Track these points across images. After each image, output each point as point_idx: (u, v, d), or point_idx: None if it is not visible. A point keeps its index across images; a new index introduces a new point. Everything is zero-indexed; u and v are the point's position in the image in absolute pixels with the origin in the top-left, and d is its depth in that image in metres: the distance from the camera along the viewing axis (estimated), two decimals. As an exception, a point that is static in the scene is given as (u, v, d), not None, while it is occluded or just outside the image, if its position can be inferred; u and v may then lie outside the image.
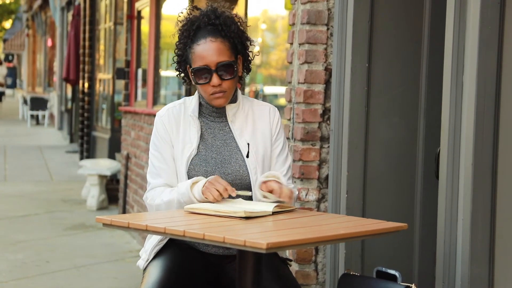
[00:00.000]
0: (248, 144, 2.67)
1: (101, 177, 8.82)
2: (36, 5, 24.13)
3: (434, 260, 2.67)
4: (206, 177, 2.61)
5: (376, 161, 3.32)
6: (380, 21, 3.29)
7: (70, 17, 15.57)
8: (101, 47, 11.95)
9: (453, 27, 2.54)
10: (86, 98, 12.23)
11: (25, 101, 22.73)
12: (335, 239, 2.27)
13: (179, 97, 7.56)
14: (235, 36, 2.66)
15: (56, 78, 19.90)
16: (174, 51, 2.74)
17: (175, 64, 2.75)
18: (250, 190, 2.65)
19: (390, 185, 3.33)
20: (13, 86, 34.73)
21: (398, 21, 3.31)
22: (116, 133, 9.96)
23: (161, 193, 2.68)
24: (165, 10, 8.12)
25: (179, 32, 2.72)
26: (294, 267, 3.49)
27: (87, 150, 12.16)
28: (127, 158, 8.06)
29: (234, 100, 2.71)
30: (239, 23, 2.69)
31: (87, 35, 12.21)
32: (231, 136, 2.70)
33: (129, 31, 9.10)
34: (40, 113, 21.42)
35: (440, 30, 2.74)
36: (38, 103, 21.35)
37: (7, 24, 38.83)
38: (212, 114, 2.72)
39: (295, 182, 3.54)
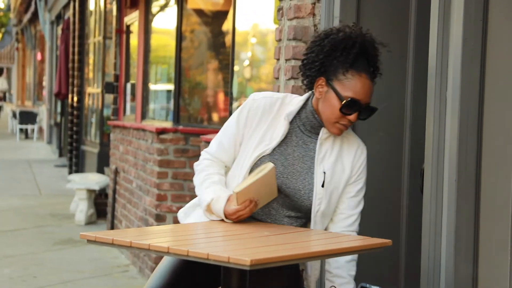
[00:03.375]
0: (324, 173, 2.58)
1: (90, 191, 8.80)
2: (25, 19, 24.11)
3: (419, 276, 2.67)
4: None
5: (362, 176, 3.32)
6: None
7: (59, 31, 15.57)
8: (91, 61, 11.96)
9: (436, 43, 2.56)
10: (75, 112, 12.22)
11: (14, 115, 22.65)
12: (319, 255, 2.28)
13: (167, 112, 7.58)
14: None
15: (45, 92, 19.87)
16: (312, 51, 2.60)
17: (308, 62, 2.62)
18: (301, 212, 2.60)
19: (375, 200, 3.33)
20: (2, 99, 34.59)
21: (383, 37, 3.32)
22: (105, 147, 9.95)
23: (206, 175, 2.64)
24: (154, 24, 8.14)
25: (329, 39, 2.57)
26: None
27: (76, 164, 12.13)
28: (116, 172, 8.04)
29: None
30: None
31: (76, 49, 12.22)
32: (311, 155, 2.61)
33: (118, 46, 9.12)
34: (29, 127, 21.36)
35: (425, 46, 2.76)
36: (27, 117, 21.29)
37: (-3, 37, 38.81)
38: (307, 126, 2.62)
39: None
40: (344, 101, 2.52)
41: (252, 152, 2.60)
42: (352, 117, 2.54)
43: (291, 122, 2.62)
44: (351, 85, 2.53)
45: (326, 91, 2.56)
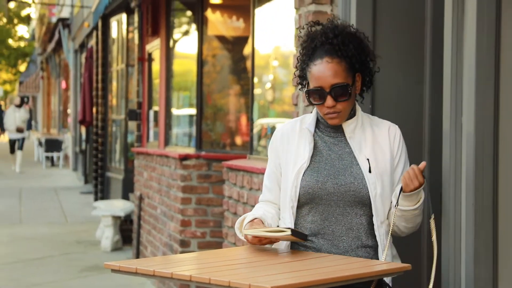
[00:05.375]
0: (368, 159, 2.63)
1: (115, 218, 8.88)
2: (50, 48, 24.45)
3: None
4: (318, 187, 2.64)
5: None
6: (383, 67, 3.35)
7: (83, 59, 15.78)
8: (114, 88, 12.10)
9: (450, 68, 2.60)
10: (99, 139, 12.35)
11: (40, 143, 22.89)
12: (339, 280, 2.30)
13: (190, 138, 7.65)
14: (353, 55, 2.61)
15: (70, 119, 20.08)
16: (295, 66, 2.77)
17: (297, 79, 2.77)
18: (365, 204, 2.63)
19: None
20: (28, 128, 35.02)
21: (400, 66, 3.38)
22: (130, 174, 10.05)
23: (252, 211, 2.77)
24: (175, 50, 8.24)
25: (300, 47, 2.73)
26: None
27: (101, 191, 12.24)
28: (140, 199, 8.12)
29: (352, 115, 2.68)
30: (358, 40, 2.64)
31: (100, 77, 12.38)
32: (347, 151, 2.67)
33: (140, 73, 9.23)
34: (55, 154, 21.57)
35: (442, 70, 2.79)
36: (52, 145, 21.50)
37: (22, 67, 39.34)
38: (327, 129, 2.71)
39: None
40: (306, 95, 2.65)
41: (293, 168, 2.69)
42: (328, 102, 2.60)
43: (317, 132, 2.72)
44: (312, 77, 2.64)
45: None
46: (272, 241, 2.61)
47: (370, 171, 2.61)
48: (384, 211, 2.63)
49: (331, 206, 2.65)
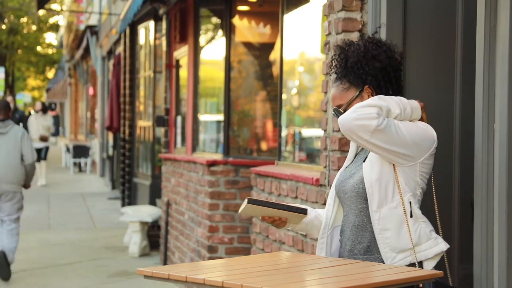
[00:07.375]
0: (366, 157, 2.65)
1: (143, 223, 8.92)
2: (77, 55, 24.67)
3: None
4: (338, 185, 2.74)
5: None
6: (413, 72, 3.34)
7: (111, 66, 15.90)
8: (141, 94, 12.17)
9: (482, 76, 2.59)
10: (127, 145, 12.42)
11: (67, 149, 23.07)
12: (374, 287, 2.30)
13: (217, 144, 7.68)
14: (352, 69, 2.66)
15: (97, 126, 20.22)
16: None
17: None
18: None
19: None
20: (56, 134, 35.34)
21: (431, 72, 3.36)
22: (157, 180, 10.10)
23: None
24: (203, 56, 8.28)
25: None
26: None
27: (129, 197, 12.31)
28: (168, 204, 8.16)
29: None
30: (361, 52, 2.65)
31: (127, 83, 12.46)
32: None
33: (168, 80, 9.28)
34: (82, 160, 21.73)
35: (472, 78, 2.77)
36: (80, 151, 21.65)
37: (50, 74, 39.72)
38: None
39: None
40: None
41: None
42: None
43: None
44: None
45: None
46: (282, 220, 2.70)
47: (364, 161, 2.64)
48: (381, 195, 2.58)
49: (347, 205, 2.72)
